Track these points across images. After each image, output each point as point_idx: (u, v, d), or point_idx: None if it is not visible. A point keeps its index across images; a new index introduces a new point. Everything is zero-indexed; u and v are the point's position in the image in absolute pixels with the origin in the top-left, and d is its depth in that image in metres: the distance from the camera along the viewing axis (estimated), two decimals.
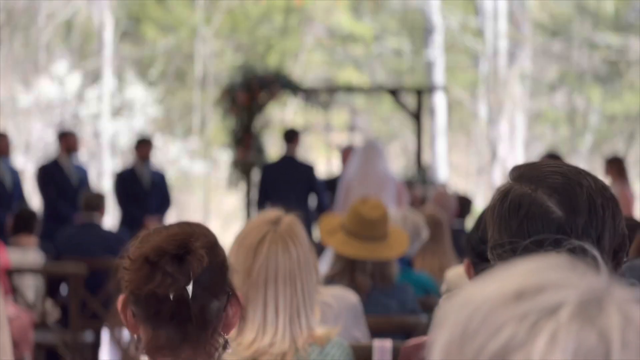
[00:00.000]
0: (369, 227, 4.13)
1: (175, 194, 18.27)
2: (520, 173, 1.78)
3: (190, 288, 1.83)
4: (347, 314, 3.63)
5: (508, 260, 1.72)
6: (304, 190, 9.30)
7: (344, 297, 3.66)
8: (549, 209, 1.71)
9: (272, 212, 2.90)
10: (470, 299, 0.96)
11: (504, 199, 1.76)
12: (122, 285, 1.89)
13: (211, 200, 19.69)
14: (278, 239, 2.76)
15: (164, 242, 1.85)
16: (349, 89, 14.00)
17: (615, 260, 1.74)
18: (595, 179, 1.75)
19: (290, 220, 2.83)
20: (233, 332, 2.65)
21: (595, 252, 1.01)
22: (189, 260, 1.84)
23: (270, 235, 2.75)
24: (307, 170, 9.45)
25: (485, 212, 2.06)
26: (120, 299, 1.90)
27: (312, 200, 9.48)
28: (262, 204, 9.39)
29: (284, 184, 9.25)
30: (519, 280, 0.95)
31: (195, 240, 1.87)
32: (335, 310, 3.61)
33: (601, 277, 0.96)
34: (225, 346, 1.92)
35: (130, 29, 19.43)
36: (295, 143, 9.53)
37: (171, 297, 1.82)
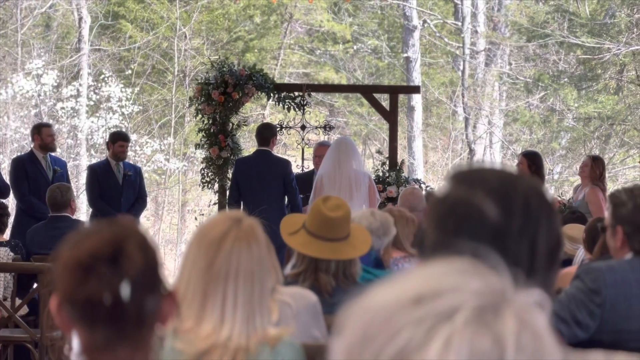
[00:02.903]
0: (331, 227, 4.13)
1: (151, 191, 18.26)
2: (459, 175, 1.79)
3: (125, 289, 1.83)
4: (306, 313, 3.64)
5: (458, 256, 1.72)
6: (278, 185, 9.16)
7: (303, 296, 3.67)
8: (485, 210, 1.72)
9: (234, 212, 2.93)
10: (371, 304, 0.97)
11: (441, 200, 1.77)
12: (54, 288, 1.88)
13: (188, 197, 19.66)
14: (242, 236, 2.78)
15: (96, 246, 1.85)
16: (324, 88, 14.01)
17: (551, 261, 1.74)
18: (531, 181, 1.76)
19: (252, 221, 2.86)
20: (190, 323, 2.67)
21: (497, 257, 1.01)
22: (122, 261, 1.84)
23: (234, 232, 2.77)
24: (282, 165, 9.30)
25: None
26: (54, 301, 1.89)
27: (287, 196, 9.32)
28: (233, 198, 9.22)
29: (257, 179, 9.12)
30: (418, 285, 0.96)
31: (127, 241, 1.87)
32: (294, 309, 3.61)
33: (501, 281, 0.97)
34: (161, 342, 1.92)
35: (108, 26, 19.37)
36: (269, 138, 9.36)
37: (106, 299, 1.82)
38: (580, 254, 5.40)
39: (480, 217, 1.71)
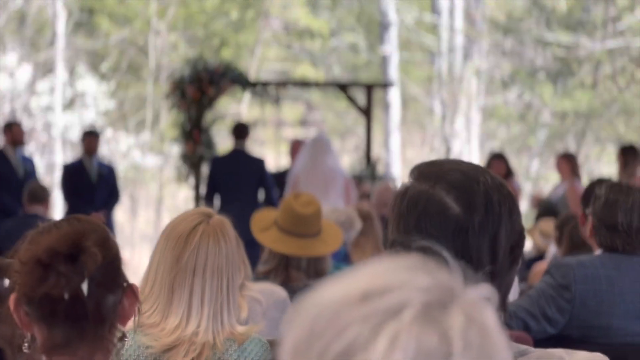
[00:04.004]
0: (302, 224, 4.12)
1: (127, 188, 18.19)
2: (420, 171, 1.78)
3: (84, 286, 1.81)
4: (276, 309, 3.63)
5: (411, 252, 1.72)
6: (253, 184, 9.21)
7: (273, 292, 3.66)
8: (447, 205, 1.71)
9: (203, 208, 2.92)
10: (318, 300, 0.96)
11: (403, 196, 1.76)
12: (13, 286, 1.86)
13: (164, 193, 19.60)
14: (210, 231, 2.77)
15: (55, 242, 1.83)
16: (299, 84, 13.99)
17: (512, 256, 1.74)
18: (492, 176, 1.76)
19: (221, 218, 2.85)
20: (158, 317, 2.66)
21: (446, 253, 1.00)
22: (82, 258, 1.82)
23: (203, 226, 2.77)
24: (257, 163, 9.35)
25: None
26: (12, 299, 1.87)
27: (262, 195, 9.40)
28: (210, 196, 9.27)
29: (233, 177, 9.16)
30: (366, 281, 0.95)
31: (87, 238, 1.85)
32: (264, 305, 3.61)
33: (450, 278, 0.96)
34: (122, 339, 1.90)
35: (84, 21, 19.26)
36: (244, 137, 9.43)
37: (66, 297, 1.80)
38: (553, 249, 5.42)
39: (441, 213, 1.70)
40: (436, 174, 1.74)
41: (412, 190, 1.74)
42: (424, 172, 1.76)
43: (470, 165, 1.77)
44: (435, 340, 0.90)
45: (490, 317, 0.94)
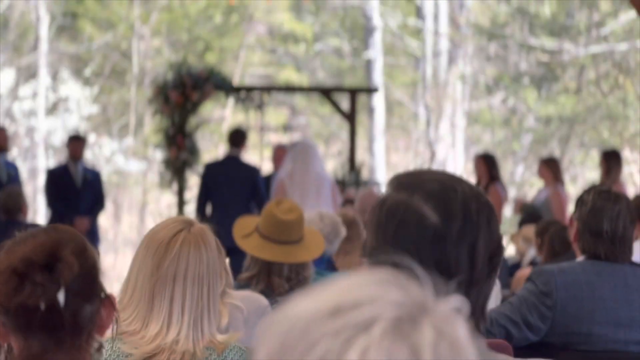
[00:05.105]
0: (284, 230, 4.11)
1: (111, 193, 18.13)
2: (398, 181, 1.79)
3: (61, 296, 1.80)
4: (257, 317, 3.62)
5: (383, 266, 1.72)
6: (246, 192, 9.16)
7: (254, 300, 3.65)
8: (424, 214, 1.72)
9: (184, 216, 2.92)
10: (290, 314, 0.95)
11: (381, 206, 1.77)
12: None
13: (148, 199, 19.55)
14: (191, 238, 2.77)
15: (31, 252, 1.82)
16: (283, 89, 13.99)
17: (491, 265, 1.74)
18: (470, 185, 1.76)
19: (202, 226, 2.85)
20: (138, 325, 2.65)
21: (417, 267, 1.00)
22: (58, 268, 1.81)
23: (184, 234, 2.76)
24: (250, 171, 9.28)
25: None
26: None
27: (254, 203, 9.30)
28: (202, 203, 9.20)
29: (226, 184, 9.10)
30: (337, 295, 0.95)
31: (63, 247, 1.84)
32: (245, 313, 3.60)
33: (421, 292, 0.96)
34: (99, 349, 1.89)
35: (67, 25, 19.21)
36: (240, 144, 9.36)
37: (42, 306, 1.79)
38: (531, 253, 5.43)
39: (419, 222, 1.71)
40: (414, 184, 1.75)
41: (390, 200, 1.75)
42: (402, 182, 1.77)
43: (448, 175, 1.78)
44: (405, 355, 0.90)
45: (461, 331, 0.94)
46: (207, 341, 2.70)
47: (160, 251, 2.72)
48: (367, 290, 0.94)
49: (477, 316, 1.76)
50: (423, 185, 1.74)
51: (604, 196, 3.66)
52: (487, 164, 8.97)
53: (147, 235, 2.80)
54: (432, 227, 1.71)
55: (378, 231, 1.76)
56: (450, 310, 0.95)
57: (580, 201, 3.71)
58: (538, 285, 3.58)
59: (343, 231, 4.81)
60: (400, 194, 1.75)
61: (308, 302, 0.95)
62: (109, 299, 1.90)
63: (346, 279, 0.97)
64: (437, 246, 1.71)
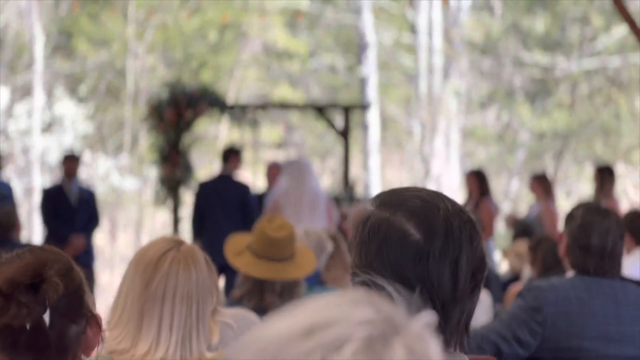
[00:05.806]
0: (275, 248, 4.12)
1: (106, 211, 18.12)
2: (381, 199, 1.80)
3: (46, 317, 1.80)
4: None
5: (366, 284, 1.73)
6: (238, 210, 9.19)
7: (245, 317, 3.65)
8: (407, 232, 1.73)
9: (173, 236, 2.94)
10: (264, 334, 0.96)
11: (364, 224, 1.78)
12: None
13: (143, 216, 19.54)
14: (181, 258, 2.78)
15: (16, 273, 1.82)
16: (277, 106, 14.01)
17: (474, 281, 1.75)
18: (453, 202, 1.78)
19: (192, 245, 2.87)
20: (127, 344, 2.65)
21: (390, 287, 1.01)
22: (44, 288, 1.82)
23: (173, 253, 2.77)
24: (242, 189, 9.31)
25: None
26: None
27: (245, 220, 9.31)
28: (196, 221, 9.23)
29: (218, 203, 9.14)
30: (310, 316, 0.95)
31: (49, 268, 1.84)
32: (236, 330, 3.60)
33: (394, 310, 0.96)
34: None
35: (62, 44, 19.23)
36: (232, 162, 9.37)
37: (27, 327, 1.79)
38: (528, 271, 5.44)
39: (402, 239, 1.72)
40: (396, 202, 1.76)
41: (373, 218, 1.76)
42: (385, 200, 1.78)
43: (430, 192, 1.79)
44: None
45: (433, 350, 0.95)
46: (196, 359, 2.71)
47: (149, 270, 2.73)
48: (339, 310, 0.95)
49: (461, 332, 1.77)
50: (405, 203, 1.75)
51: (593, 211, 3.67)
52: (478, 179, 9.02)
53: (137, 254, 2.81)
54: (415, 245, 1.73)
55: (362, 249, 1.77)
56: (421, 328, 0.95)
57: (570, 216, 3.72)
58: (528, 300, 3.59)
59: (329, 246, 4.82)
60: (382, 212, 1.76)
61: (281, 323, 0.96)
62: (95, 318, 1.91)
63: (320, 299, 0.98)
64: (419, 263, 1.73)
